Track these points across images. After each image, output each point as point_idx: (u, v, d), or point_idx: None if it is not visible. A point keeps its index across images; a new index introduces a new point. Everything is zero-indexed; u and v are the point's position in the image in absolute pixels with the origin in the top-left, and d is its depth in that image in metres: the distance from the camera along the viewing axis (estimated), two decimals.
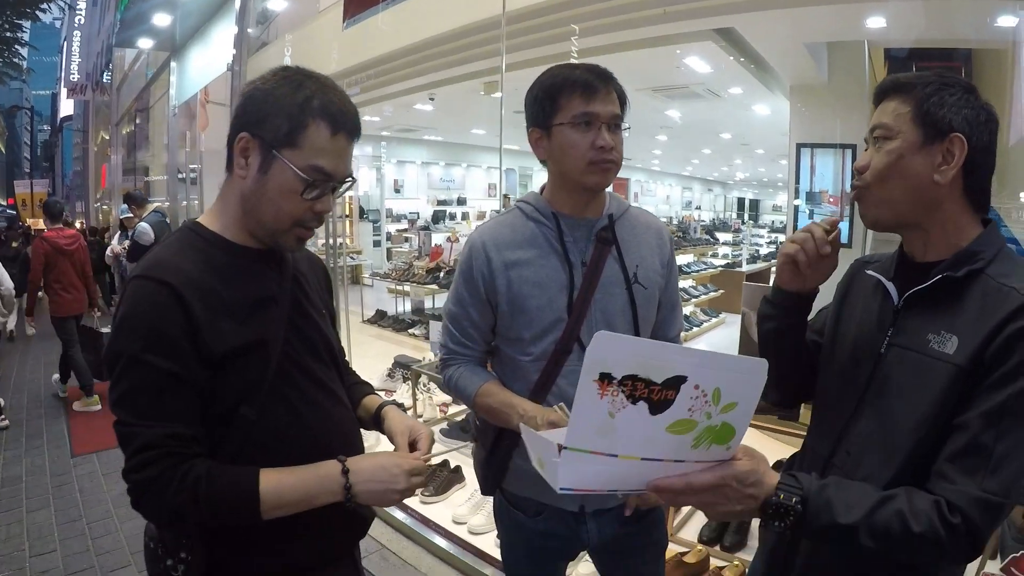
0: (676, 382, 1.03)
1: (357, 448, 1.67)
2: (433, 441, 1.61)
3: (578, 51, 5.12)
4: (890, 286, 1.41)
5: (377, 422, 1.76)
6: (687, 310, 10.04)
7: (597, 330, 1.86)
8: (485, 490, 2.09)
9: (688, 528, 3.72)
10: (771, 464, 1.60)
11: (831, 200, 5.02)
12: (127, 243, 8.18)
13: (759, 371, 1.08)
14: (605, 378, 1.01)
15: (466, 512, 4.02)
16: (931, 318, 1.31)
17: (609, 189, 1.96)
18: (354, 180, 1.56)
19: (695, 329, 9.64)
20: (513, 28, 5.56)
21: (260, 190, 1.44)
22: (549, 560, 2.08)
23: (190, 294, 1.36)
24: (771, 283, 1.60)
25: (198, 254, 1.46)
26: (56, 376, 7.73)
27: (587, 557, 2.19)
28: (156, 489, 1.31)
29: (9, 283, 6.75)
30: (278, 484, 1.37)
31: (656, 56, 6.65)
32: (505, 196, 16.49)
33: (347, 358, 1.92)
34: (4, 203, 51.46)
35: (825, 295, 1.63)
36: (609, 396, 1.02)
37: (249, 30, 8.46)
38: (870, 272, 1.49)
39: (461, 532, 3.92)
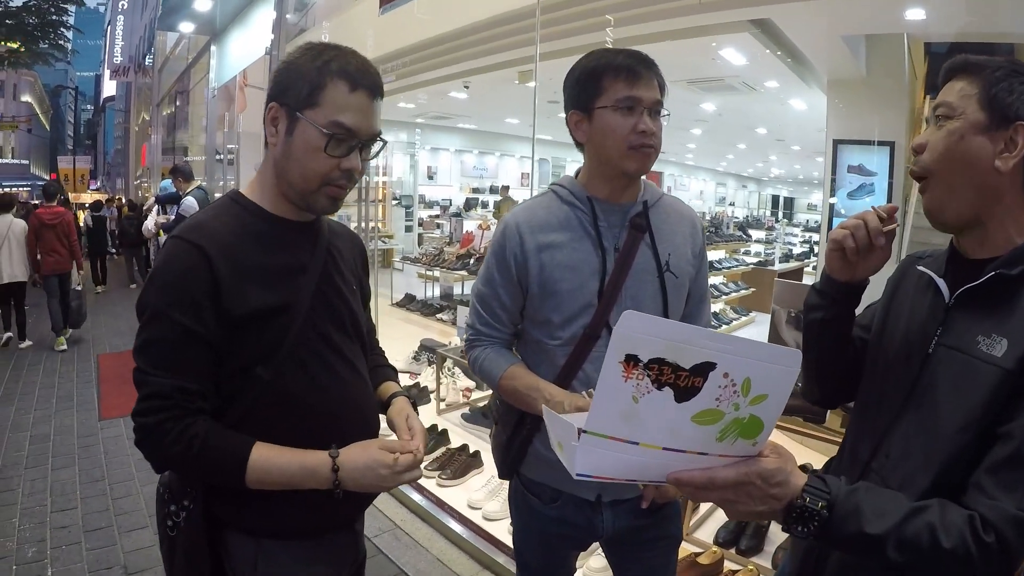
0: (704, 369, 0.98)
1: (370, 423, 1.73)
2: (427, 441, 1.62)
3: (613, 41, 5.09)
4: (941, 283, 1.34)
5: (385, 408, 1.80)
6: (717, 307, 9.97)
7: None
8: (502, 474, 2.09)
9: (704, 528, 3.70)
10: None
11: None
12: (162, 218, 8.31)
13: (793, 362, 1.02)
14: (631, 360, 0.97)
15: (482, 498, 4.03)
16: (982, 318, 1.24)
17: (643, 177, 1.95)
18: (385, 142, 1.60)
19: (724, 327, 9.56)
20: (548, 18, 5.54)
21: (288, 151, 1.50)
22: (561, 548, 2.07)
23: (219, 257, 1.44)
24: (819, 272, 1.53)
25: (235, 220, 1.55)
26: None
27: (599, 551, 2.17)
28: (156, 436, 1.42)
29: None
30: (267, 462, 1.45)
31: (691, 47, 6.59)
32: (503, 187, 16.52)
33: (376, 338, 2.00)
34: (48, 177, 52.78)
35: (876, 290, 1.57)
36: (634, 379, 0.98)
37: (288, 16, 8.51)
38: (921, 268, 1.42)
39: (475, 517, 3.93)
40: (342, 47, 1.53)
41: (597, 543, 2.08)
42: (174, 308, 1.42)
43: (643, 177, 1.93)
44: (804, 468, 1.47)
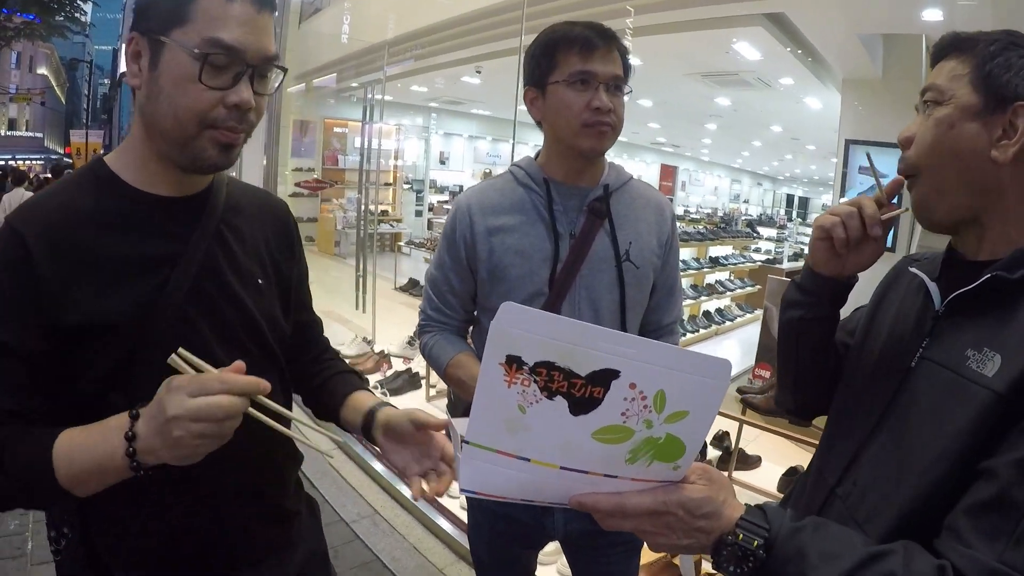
0: (605, 377, 0.82)
1: (268, 469, 1.38)
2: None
3: (632, 30, 5.03)
4: (932, 287, 1.16)
5: (367, 429, 1.37)
6: (722, 303, 9.94)
7: (581, 309, 1.76)
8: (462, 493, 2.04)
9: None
10: (786, 471, 1.44)
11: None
12: None
13: (720, 375, 0.86)
14: (513, 362, 0.81)
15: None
16: (974, 329, 1.05)
17: (613, 159, 1.86)
18: (284, 70, 1.24)
19: (727, 323, 9.54)
20: (565, 3, 5.49)
21: (154, 90, 1.13)
22: (510, 546, 1.99)
23: (42, 249, 1.11)
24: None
25: (81, 197, 1.19)
26: None
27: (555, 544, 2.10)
28: None
29: None
30: (69, 440, 1.07)
31: (706, 39, 6.52)
32: (485, 172, 16.46)
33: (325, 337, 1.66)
34: (62, 151, 53.09)
35: (866, 293, 1.40)
36: (519, 385, 0.82)
37: None
38: (914, 270, 1.24)
39: (453, 506, 3.89)
40: None
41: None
42: None
43: (608, 159, 1.84)
44: (794, 471, 1.34)
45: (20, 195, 9.89)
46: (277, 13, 1.24)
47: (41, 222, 1.14)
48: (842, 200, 5.29)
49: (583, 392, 0.83)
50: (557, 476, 0.90)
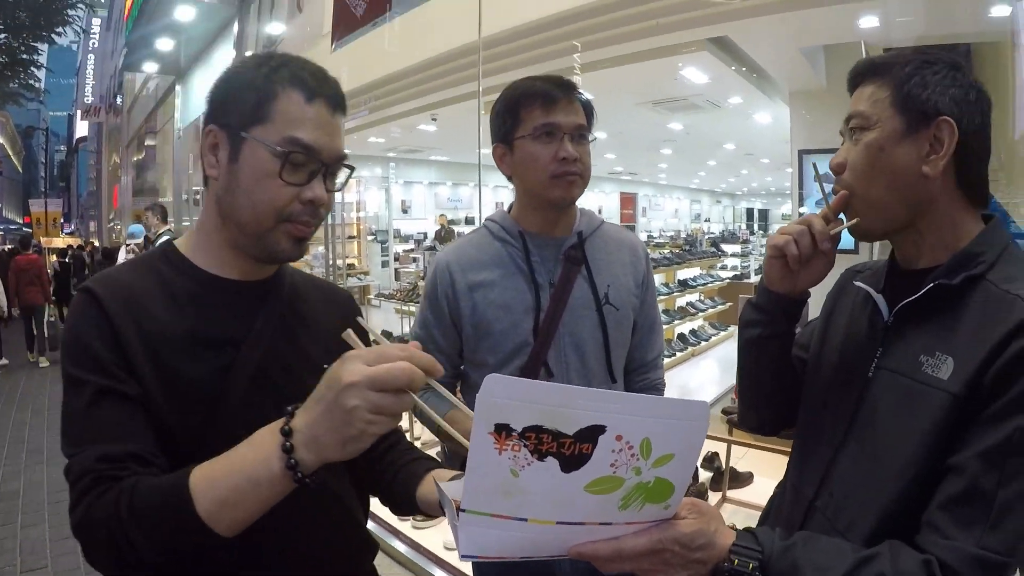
0: (592, 433, 0.84)
1: (342, 549, 1.34)
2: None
3: (580, 66, 5.14)
4: (879, 299, 1.21)
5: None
6: (695, 324, 9.99)
7: (567, 355, 1.80)
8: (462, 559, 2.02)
9: None
10: (779, 483, 1.48)
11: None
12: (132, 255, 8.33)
13: (699, 415, 0.89)
14: (502, 430, 0.82)
15: None
16: (924, 336, 1.11)
17: (583, 205, 1.89)
18: (352, 168, 1.27)
19: (703, 344, 9.59)
20: (514, 46, 5.59)
21: (233, 183, 1.17)
22: None
23: (118, 312, 1.13)
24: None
25: (151, 275, 1.22)
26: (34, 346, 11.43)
27: None
28: (86, 528, 1.02)
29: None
30: (210, 465, 1.00)
31: (654, 68, 6.63)
32: (441, 216, 16.51)
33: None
34: (21, 221, 52.64)
35: (817, 306, 1.46)
36: (509, 451, 0.83)
37: (248, 54, 8.56)
38: (858, 283, 1.29)
39: (451, 558, 3.85)
40: (291, 54, 1.23)
41: None
42: (78, 367, 1.11)
43: (579, 206, 1.87)
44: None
45: None
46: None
47: (117, 289, 1.16)
48: (799, 211, 5.42)
49: (572, 450, 0.85)
50: (554, 531, 0.91)
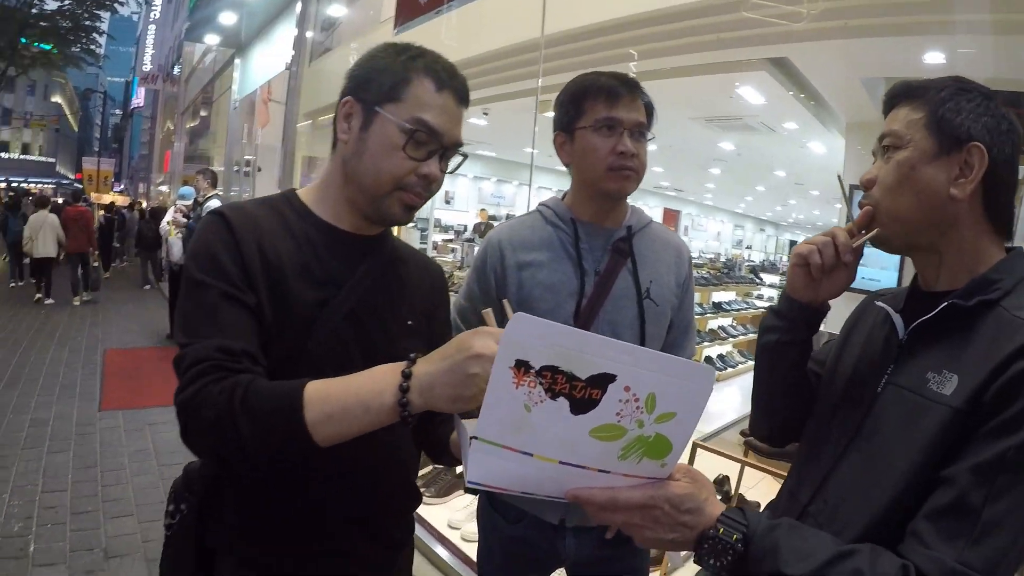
0: (603, 380, 0.91)
1: (396, 475, 1.49)
2: None
3: (635, 74, 5.09)
4: (896, 317, 1.24)
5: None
6: (724, 349, 9.89)
7: None
8: (469, 488, 2.04)
9: (681, 572, 3.56)
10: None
11: None
12: (180, 216, 8.62)
13: (705, 379, 0.95)
14: (522, 366, 0.89)
15: (462, 518, 3.95)
16: (935, 355, 1.13)
17: (633, 202, 1.93)
18: (465, 156, 1.43)
19: (730, 370, 9.48)
20: (570, 48, 5.56)
21: (361, 148, 1.33)
22: (523, 569, 2.00)
23: (244, 237, 1.28)
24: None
25: (275, 214, 1.38)
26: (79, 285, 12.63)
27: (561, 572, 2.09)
28: (195, 406, 1.14)
29: None
30: (326, 382, 1.13)
31: (710, 84, 6.60)
32: (482, 211, 16.60)
33: None
34: (73, 177, 54.06)
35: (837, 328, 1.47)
36: (525, 387, 0.90)
37: (309, 34, 8.62)
38: (880, 304, 1.32)
39: (454, 537, 3.87)
40: (428, 48, 1.40)
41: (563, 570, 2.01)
42: (205, 273, 1.25)
43: (630, 202, 1.91)
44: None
45: (45, 215, 12.22)
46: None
47: (246, 217, 1.32)
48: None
49: (583, 394, 0.91)
50: (556, 470, 0.98)
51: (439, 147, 1.33)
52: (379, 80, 1.32)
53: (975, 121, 1.14)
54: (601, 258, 1.84)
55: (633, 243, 1.87)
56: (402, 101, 1.30)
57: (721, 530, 1.02)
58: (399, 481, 1.51)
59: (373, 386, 1.09)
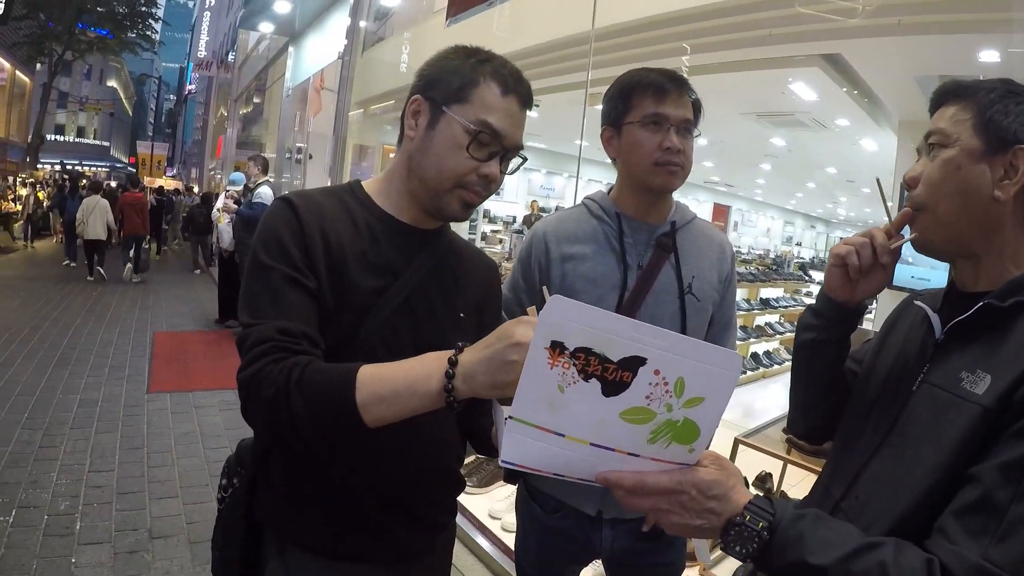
0: (634, 363, 0.93)
1: (438, 462, 1.53)
2: None
3: (688, 69, 5.09)
4: (934, 317, 1.23)
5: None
6: (771, 346, 9.80)
7: None
8: (507, 477, 2.08)
9: (722, 567, 3.55)
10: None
11: None
12: (231, 202, 8.72)
13: (731, 365, 0.96)
14: (557, 347, 0.91)
15: (503, 508, 4.00)
16: (969, 354, 1.12)
17: (683, 197, 1.93)
18: (525, 159, 1.46)
19: (776, 366, 9.39)
20: (623, 40, 5.56)
21: (426, 145, 1.38)
22: (558, 560, 2.02)
23: (308, 219, 1.35)
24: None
25: (339, 204, 1.43)
26: (128, 266, 13.44)
27: (598, 565, 2.12)
28: (256, 383, 1.21)
29: None
30: (378, 366, 1.18)
31: (762, 79, 6.55)
32: (533, 202, 16.55)
33: None
34: (127, 161, 55.17)
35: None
36: (560, 368, 0.92)
37: (362, 23, 8.69)
38: (918, 303, 1.30)
39: (495, 527, 3.91)
40: (495, 53, 1.43)
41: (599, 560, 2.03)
42: (270, 257, 1.31)
43: (675, 198, 1.92)
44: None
45: (96, 200, 12.97)
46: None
47: (311, 204, 1.38)
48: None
49: (615, 376, 0.93)
50: (587, 452, 1.00)
51: (501, 149, 1.37)
52: (448, 81, 1.37)
53: (1023, 124, 1.12)
54: (644, 252, 1.85)
55: (677, 238, 1.87)
56: (469, 102, 1.34)
57: (748, 517, 1.02)
58: (442, 466, 1.55)
59: (422, 371, 1.13)
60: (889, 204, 1.32)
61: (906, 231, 1.25)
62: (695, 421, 0.98)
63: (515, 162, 1.44)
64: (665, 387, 0.95)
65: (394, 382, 1.15)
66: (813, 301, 1.42)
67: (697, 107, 1.82)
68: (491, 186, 1.40)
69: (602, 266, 1.84)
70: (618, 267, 1.83)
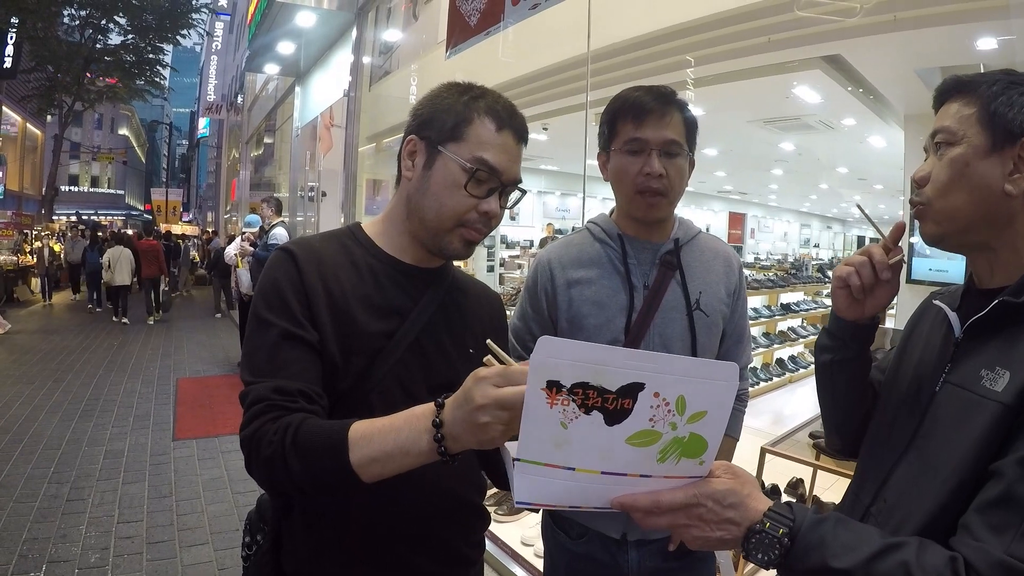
0: (632, 390, 0.94)
1: (451, 500, 1.49)
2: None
3: (693, 81, 5.14)
4: (953, 316, 1.21)
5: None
6: (795, 350, 9.75)
7: None
8: (516, 505, 2.07)
9: None
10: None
11: None
12: (247, 245, 8.74)
13: (728, 375, 0.98)
14: (553, 386, 0.92)
15: (534, 535, 3.98)
16: (988, 352, 1.11)
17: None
18: (524, 192, 1.46)
19: (802, 371, 9.34)
20: (626, 58, 5.62)
21: (424, 186, 1.39)
22: None
23: (308, 269, 1.35)
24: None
25: (340, 248, 1.44)
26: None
27: None
28: (255, 443, 1.21)
29: None
30: (369, 425, 1.17)
31: (765, 86, 6.57)
32: (549, 224, 16.52)
33: None
34: (142, 208, 55.81)
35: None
36: (560, 406, 0.93)
37: (366, 59, 8.80)
38: (938, 303, 1.29)
39: (527, 554, 3.91)
40: (488, 88, 1.44)
41: None
42: (270, 311, 1.32)
43: (677, 215, 1.92)
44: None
45: (121, 249, 14.50)
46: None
47: (311, 252, 1.38)
48: (910, 241, 5.24)
49: (615, 405, 0.95)
50: (599, 481, 1.01)
51: (499, 184, 1.38)
52: (442, 119, 1.38)
53: None
54: (650, 272, 1.85)
55: (681, 255, 1.87)
56: (464, 140, 1.36)
57: (767, 524, 1.02)
58: (465, 503, 1.54)
59: (410, 433, 1.12)
60: (875, 222, 1.34)
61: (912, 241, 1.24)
62: (701, 434, 1.00)
63: (514, 196, 1.45)
64: (667, 407, 0.96)
65: (384, 445, 1.14)
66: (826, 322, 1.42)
67: (690, 124, 1.81)
68: (491, 222, 1.41)
69: (608, 289, 1.84)
70: (624, 289, 1.83)
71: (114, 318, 14.54)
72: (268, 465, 1.20)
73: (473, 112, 1.37)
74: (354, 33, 8.80)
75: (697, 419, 0.98)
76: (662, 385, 0.95)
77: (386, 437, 1.14)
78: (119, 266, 14.35)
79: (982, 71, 1.19)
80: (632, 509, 1.03)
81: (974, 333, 1.16)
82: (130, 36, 29.20)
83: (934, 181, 1.17)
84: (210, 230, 28.77)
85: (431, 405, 1.12)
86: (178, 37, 30.22)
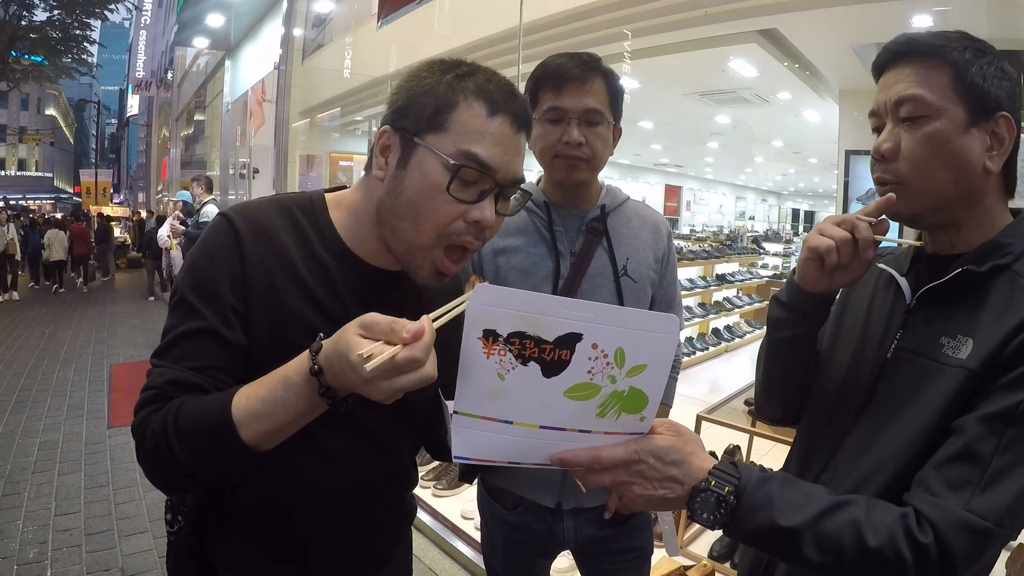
0: (570, 340, 0.91)
1: (383, 507, 1.40)
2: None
3: (629, 54, 5.11)
4: (903, 282, 1.17)
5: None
6: (731, 320, 9.94)
7: None
8: (462, 476, 2.08)
9: (700, 542, 3.64)
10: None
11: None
12: (178, 224, 8.47)
13: (670, 328, 0.95)
14: (490, 335, 0.90)
15: (474, 508, 3.90)
16: (947, 319, 1.08)
17: (617, 182, 1.91)
18: (529, 195, 1.22)
19: (737, 340, 9.53)
20: (563, 29, 5.56)
21: (397, 188, 1.11)
22: (524, 556, 2.01)
23: (252, 248, 1.14)
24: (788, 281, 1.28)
25: (294, 229, 1.20)
26: (79, 280, 17.63)
27: (567, 554, 2.10)
28: (140, 434, 1.09)
29: None
30: (248, 388, 1.03)
31: (702, 59, 6.59)
32: None
33: None
34: (72, 190, 54.28)
35: None
36: (496, 356, 0.91)
37: (298, 32, 8.62)
38: (881, 266, 1.24)
39: (467, 528, 3.91)
40: (481, 65, 1.17)
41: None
42: (196, 296, 1.12)
43: (604, 182, 1.91)
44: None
45: (57, 231, 17.12)
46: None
47: (259, 231, 1.16)
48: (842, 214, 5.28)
49: (552, 356, 0.92)
50: (538, 435, 0.99)
51: (493, 185, 1.10)
52: (420, 105, 1.11)
53: (998, 88, 1.06)
54: (576, 239, 1.85)
55: (608, 222, 1.87)
56: (446, 130, 1.08)
57: (712, 483, 0.99)
58: (388, 503, 1.41)
59: (288, 373, 0.99)
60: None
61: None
62: (641, 389, 0.98)
63: (516, 198, 1.18)
64: (605, 359, 0.94)
65: (263, 389, 1.01)
66: (778, 291, 1.31)
67: (614, 93, 1.76)
68: (484, 233, 1.13)
69: (534, 256, 1.83)
70: (550, 256, 1.83)
71: (55, 286, 16.80)
72: (154, 457, 1.07)
73: (458, 94, 1.10)
74: (284, 4, 8.60)
75: (636, 372, 0.96)
76: (600, 336, 0.93)
77: (264, 389, 1.01)
78: (55, 245, 16.82)
79: (931, 34, 1.11)
80: (572, 465, 1.01)
81: (928, 300, 1.13)
82: (56, 12, 28.18)
83: (910, 158, 1.09)
84: (143, 212, 27.97)
85: (306, 354, 0.98)
86: (106, 12, 29.29)
